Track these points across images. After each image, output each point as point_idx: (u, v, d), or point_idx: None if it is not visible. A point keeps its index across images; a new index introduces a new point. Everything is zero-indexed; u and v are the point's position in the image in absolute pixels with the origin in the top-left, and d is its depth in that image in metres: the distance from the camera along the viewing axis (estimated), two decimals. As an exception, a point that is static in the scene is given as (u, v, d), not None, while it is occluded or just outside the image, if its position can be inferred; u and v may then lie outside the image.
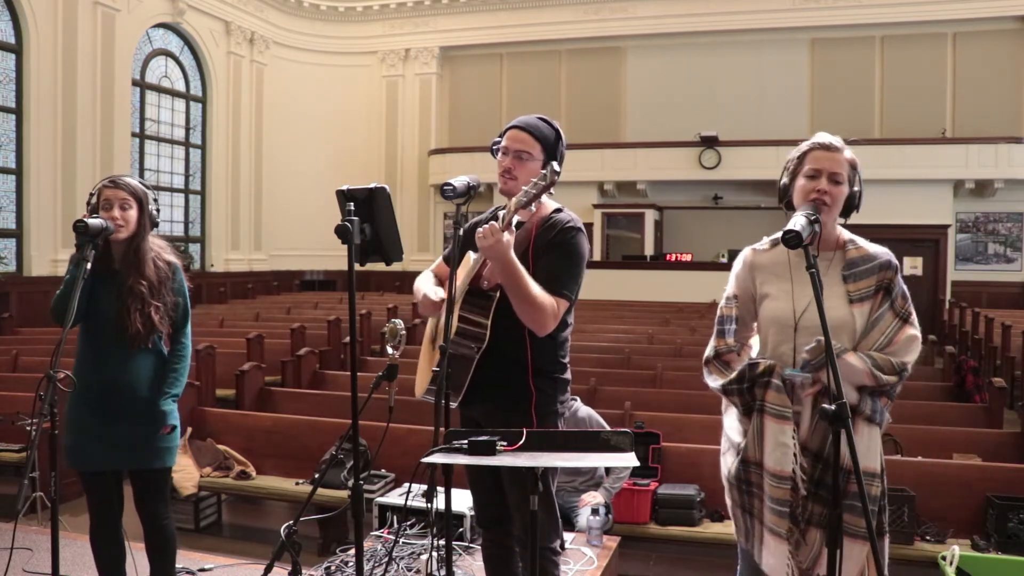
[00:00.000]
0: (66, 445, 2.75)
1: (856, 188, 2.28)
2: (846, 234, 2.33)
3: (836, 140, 2.27)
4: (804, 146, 2.30)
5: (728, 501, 2.37)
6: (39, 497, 4.29)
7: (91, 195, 2.79)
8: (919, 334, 2.25)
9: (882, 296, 2.23)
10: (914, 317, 2.25)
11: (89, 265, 2.62)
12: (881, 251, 2.28)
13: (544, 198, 2.47)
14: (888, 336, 2.21)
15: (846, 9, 14.27)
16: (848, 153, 2.25)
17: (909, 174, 13.14)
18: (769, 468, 2.18)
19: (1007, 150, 13.20)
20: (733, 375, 2.27)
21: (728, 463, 2.36)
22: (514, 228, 2.22)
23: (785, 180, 2.32)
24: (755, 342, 2.40)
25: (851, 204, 2.28)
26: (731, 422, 2.39)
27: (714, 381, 2.34)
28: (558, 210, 2.44)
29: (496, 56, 16.49)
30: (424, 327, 2.69)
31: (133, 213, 2.76)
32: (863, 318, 2.22)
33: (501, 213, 2.21)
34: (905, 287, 2.27)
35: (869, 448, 2.17)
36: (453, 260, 2.35)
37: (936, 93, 14.21)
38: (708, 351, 2.40)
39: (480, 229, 2.16)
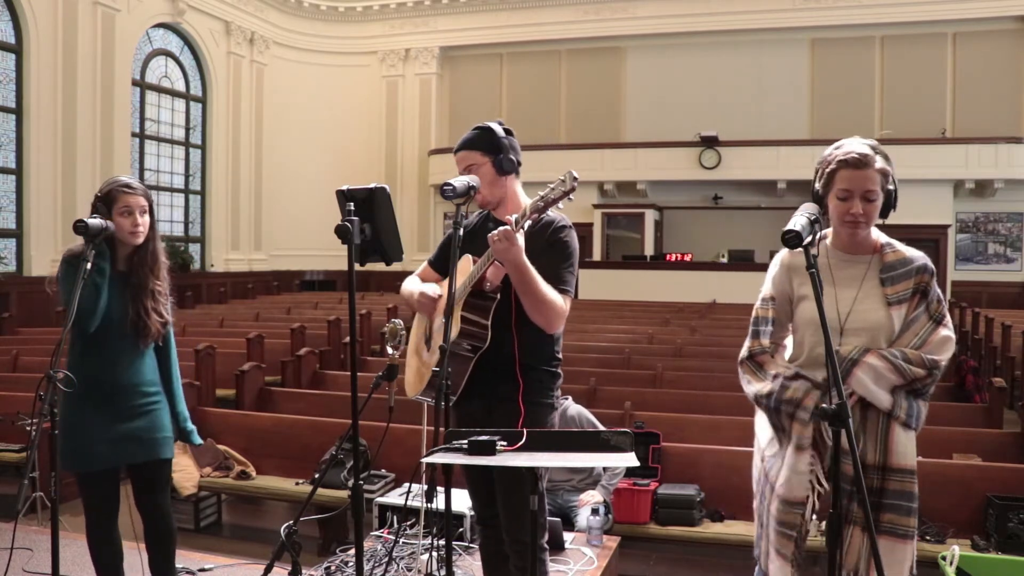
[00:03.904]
0: (70, 447, 2.73)
1: (891, 187, 2.25)
2: (883, 238, 2.34)
3: (865, 149, 2.21)
4: (833, 159, 2.23)
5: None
6: (39, 497, 4.28)
7: (98, 196, 2.77)
8: (953, 335, 2.26)
9: (918, 299, 2.25)
10: (948, 319, 2.27)
11: (89, 265, 2.62)
12: (918, 255, 2.30)
13: (523, 197, 2.51)
14: (922, 337, 2.23)
15: (846, 9, 14.27)
16: (879, 162, 2.20)
17: (909, 174, 13.09)
18: (779, 494, 2.22)
19: (1007, 150, 13.21)
20: (765, 389, 2.28)
21: (756, 466, 2.41)
22: (525, 228, 2.23)
23: (818, 187, 2.29)
24: (788, 342, 2.41)
25: (888, 204, 2.27)
26: (761, 422, 2.41)
27: (748, 385, 2.37)
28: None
29: (496, 56, 16.49)
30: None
31: (148, 217, 2.80)
32: (900, 320, 2.23)
33: (513, 217, 2.20)
34: (940, 290, 2.29)
35: (907, 449, 2.18)
36: (453, 260, 2.35)
37: (936, 93, 14.21)
38: (743, 351, 2.41)
39: (495, 233, 2.17)
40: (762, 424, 2.40)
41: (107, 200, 2.74)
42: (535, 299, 2.28)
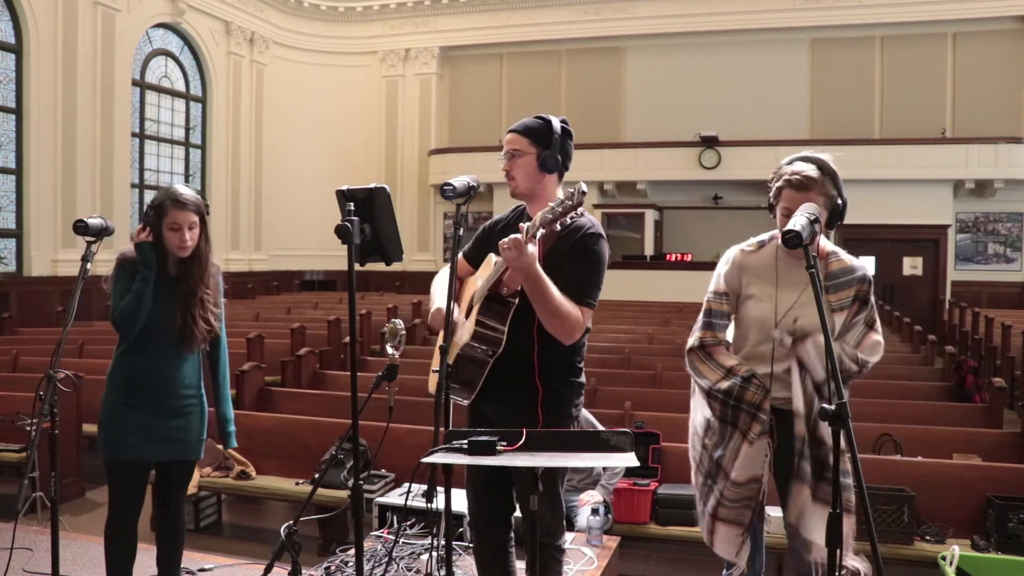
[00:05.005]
0: (104, 436, 2.81)
1: (839, 201, 2.39)
2: (829, 246, 2.50)
3: (812, 172, 2.35)
4: (781, 176, 2.40)
5: (692, 479, 2.65)
6: (39, 497, 4.28)
7: (149, 208, 2.80)
8: (882, 340, 2.49)
9: (858, 306, 2.44)
10: (879, 324, 2.51)
11: (89, 265, 2.72)
12: (859, 265, 2.48)
13: (562, 197, 2.47)
14: (857, 340, 2.44)
15: (846, 9, 14.27)
16: (824, 185, 2.35)
17: (909, 174, 13.15)
18: (736, 479, 2.43)
19: (1007, 150, 13.20)
20: (724, 385, 2.43)
21: (695, 446, 2.59)
22: (538, 239, 2.18)
23: (770, 197, 2.47)
24: (729, 333, 2.57)
25: (835, 217, 2.41)
26: (697, 415, 2.58)
27: (699, 376, 2.51)
28: (579, 214, 2.41)
29: (496, 56, 16.48)
30: (425, 326, 2.69)
31: (197, 231, 2.82)
32: (840, 325, 2.42)
33: (526, 225, 2.17)
34: (874, 298, 2.50)
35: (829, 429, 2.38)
36: (452, 262, 2.35)
37: (936, 93, 14.21)
38: (692, 341, 2.54)
39: (505, 241, 2.13)
40: (700, 410, 2.55)
41: (158, 212, 2.77)
42: (548, 310, 2.23)
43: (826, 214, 2.36)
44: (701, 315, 2.55)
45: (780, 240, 2.27)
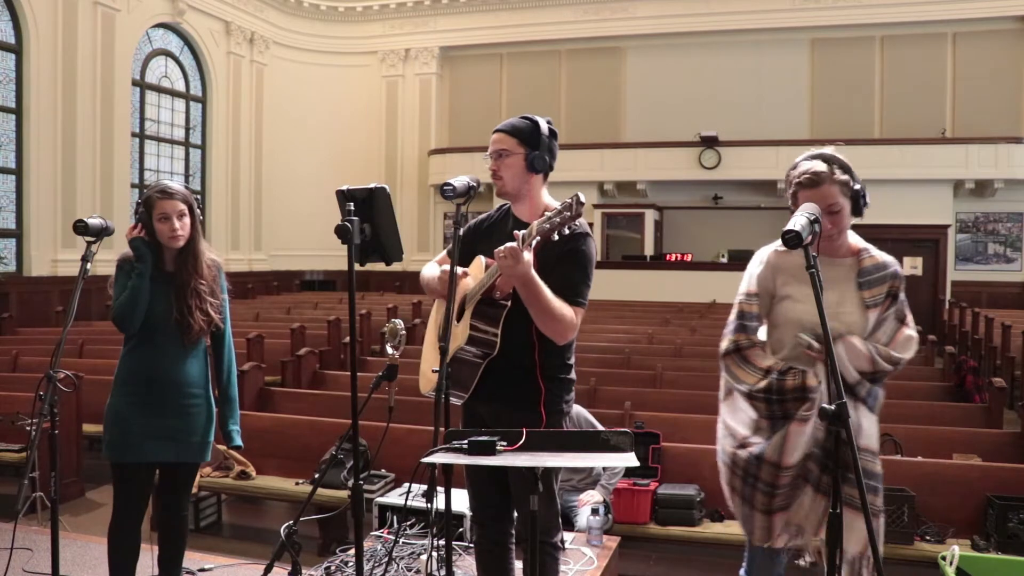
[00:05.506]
0: (109, 436, 2.81)
1: (856, 188, 2.36)
2: (860, 243, 2.46)
3: (819, 167, 2.34)
4: (793, 180, 2.39)
5: (725, 486, 2.50)
6: (39, 497, 4.28)
7: (138, 204, 2.85)
8: (916, 335, 2.44)
9: (890, 302, 2.41)
10: (911, 319, 2.46)
11: (89, 265, 2.75)
12: (891, 260, 2.45)
13: (548, 198, 2.48)
14: (889, 336, 2.40)
15: (846, 9, 14.27)
16: (836, 174, 2.33)
17: (909, 174, 13.14)
18: (786, 463, 2.33)
19: (1007, 150, 13.20)
20: (761, 384, 2.36)
21: (727, 449, 2.47)
22: (532, 246, 2.19)
23: (790, 205, 2.42)
24: (762, 333, 2.51)
25: (857, 204, 2.39)
26: (738, 415, 2.47)
27: (736, 381, 2.43)
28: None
29: (496, 56, 16.49)
30: (424, 326, 2.69)
31: (188, 220, 2.85)
32: (873, 321, 2.39)
33: (521, 232, 2.18)
34: (903, 294, 2.47)
35: (871, 431, 2.37)
36: (453, 263, 2.35)
37: (936, 93, 14.20)
38: (727, 344, 2.46)
39: (501, 249, 2.14)
40: (739, 419, 2.46)
41: (147, 206, 2.82)
42: (543, 313, 2.25)
43: (848, 202, 2.35)
44: (733, 317, 2.50)
45: (780, 241, 2.26)
